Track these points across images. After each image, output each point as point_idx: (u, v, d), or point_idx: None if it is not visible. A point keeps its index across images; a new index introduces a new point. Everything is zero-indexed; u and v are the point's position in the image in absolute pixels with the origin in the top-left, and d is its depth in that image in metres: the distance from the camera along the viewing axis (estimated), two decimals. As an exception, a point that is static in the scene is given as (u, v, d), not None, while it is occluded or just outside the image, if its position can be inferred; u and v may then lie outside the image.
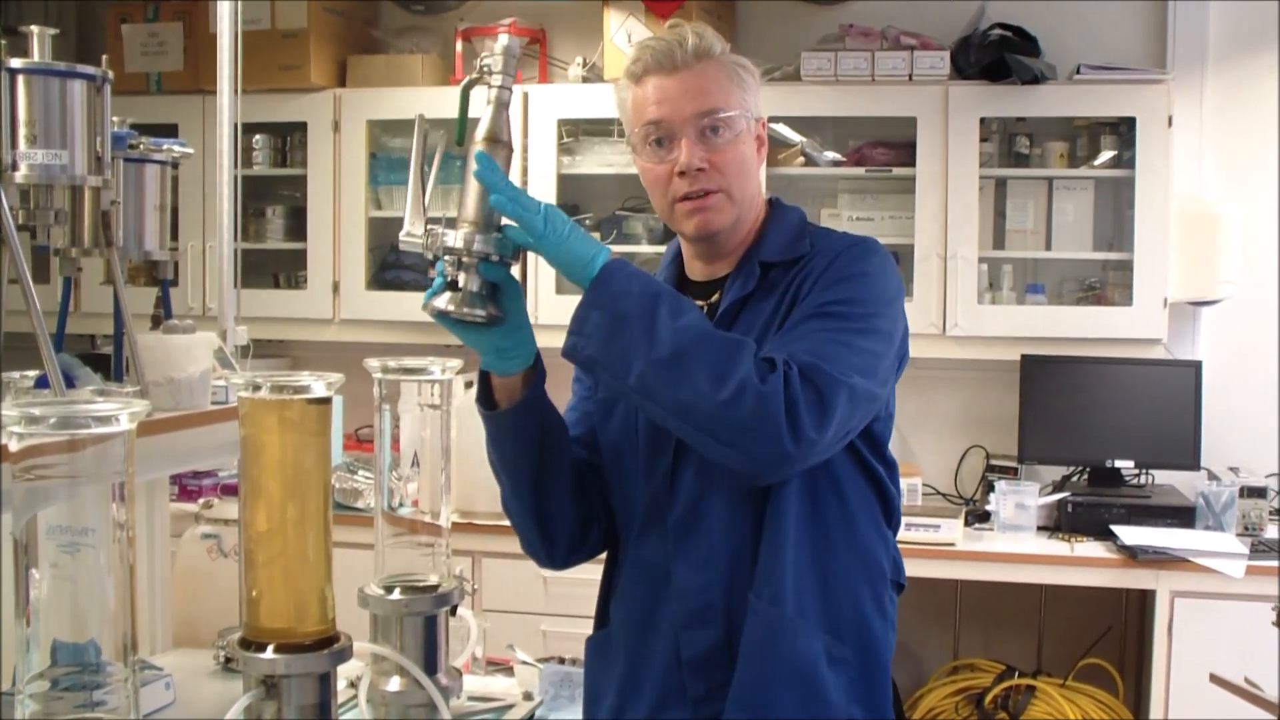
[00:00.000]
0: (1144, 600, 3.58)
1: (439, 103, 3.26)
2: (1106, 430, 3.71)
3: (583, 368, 1.51)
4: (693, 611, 1.59)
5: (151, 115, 3.71)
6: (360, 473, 3.63)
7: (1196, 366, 3.71)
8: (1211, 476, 3.62)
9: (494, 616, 3.41)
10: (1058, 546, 3.42)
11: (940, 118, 3.65)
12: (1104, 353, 3.67)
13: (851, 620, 1.61)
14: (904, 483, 3.10)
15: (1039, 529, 3.52)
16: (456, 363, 1.52)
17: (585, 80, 3.97)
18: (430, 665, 1.48)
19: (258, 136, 4.10)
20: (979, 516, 3.63)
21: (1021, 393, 3.73)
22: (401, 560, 1.52)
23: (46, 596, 1.07)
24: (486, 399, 1.58)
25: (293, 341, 4.26)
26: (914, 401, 3.93)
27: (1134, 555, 3.26)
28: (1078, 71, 3.63)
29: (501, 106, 1.48)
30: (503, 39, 1.50)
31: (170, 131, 3.57)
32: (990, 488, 3.69)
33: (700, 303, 1.63)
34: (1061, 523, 3.53)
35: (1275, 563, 3.19)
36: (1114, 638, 3.83)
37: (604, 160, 3.91)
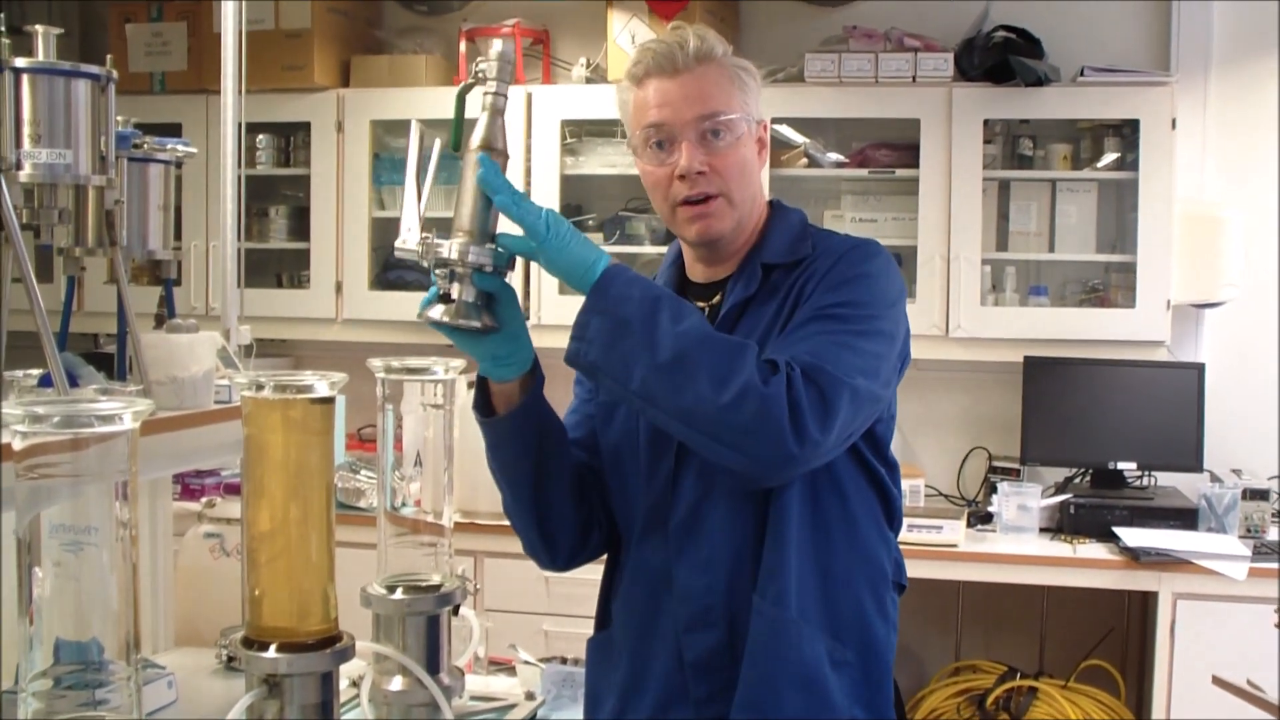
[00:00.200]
0: (1146, 602, 3.57)
1: (442, 103, 3.25)
2: (1109, 432, 3.71)
3: (585, 373, 1.50)
4: (695, 614, 1.60)
5: (155, 115, 3.71)
6: (363, 472, 3.63)
7: (1199, 369, 3.71)
8: (1214, 479, 3.62)
9: (496, 616, 3.41)
10: (1060, 548, 3.42)
11: (944, 119, 3.65)
12: (1107, 355, 3.66)
13: (853, 621, 1.61)
14: (906, 484, 3.11)
15: (1041, 530, 3.52)
16: (459, 363, 1.52)
17: (589, 81, 3.98)
18: (432, 665, 1.48)
19: (261, 136, 4.11)
20: (981, 518, 3.63)
21: (1024, 394, 3.73)
22: (404, 560, 1.52)
23: (49, 595, 1.08)
24: (484, 405, 1.58)
25: (295, 341, 4.27)
26: (917, 403, 3.93)
27: (1136, 557, 3.26)
28: (1081, 74, 3.63)
29: (496, 113, 1.47)
30: (497, 44, 1.49)
31: (174, 131, 3.57)
32: (993, 489, 3.69)
33: (701, 304, 1.63)
34: (1064, 524, 3.53)
35: (1277, 565, 3.19)
36: (1116, 639, 3.83)
37: (607, 161, 3.91)
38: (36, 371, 1.76)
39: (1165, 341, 3.61)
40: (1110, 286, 3.80)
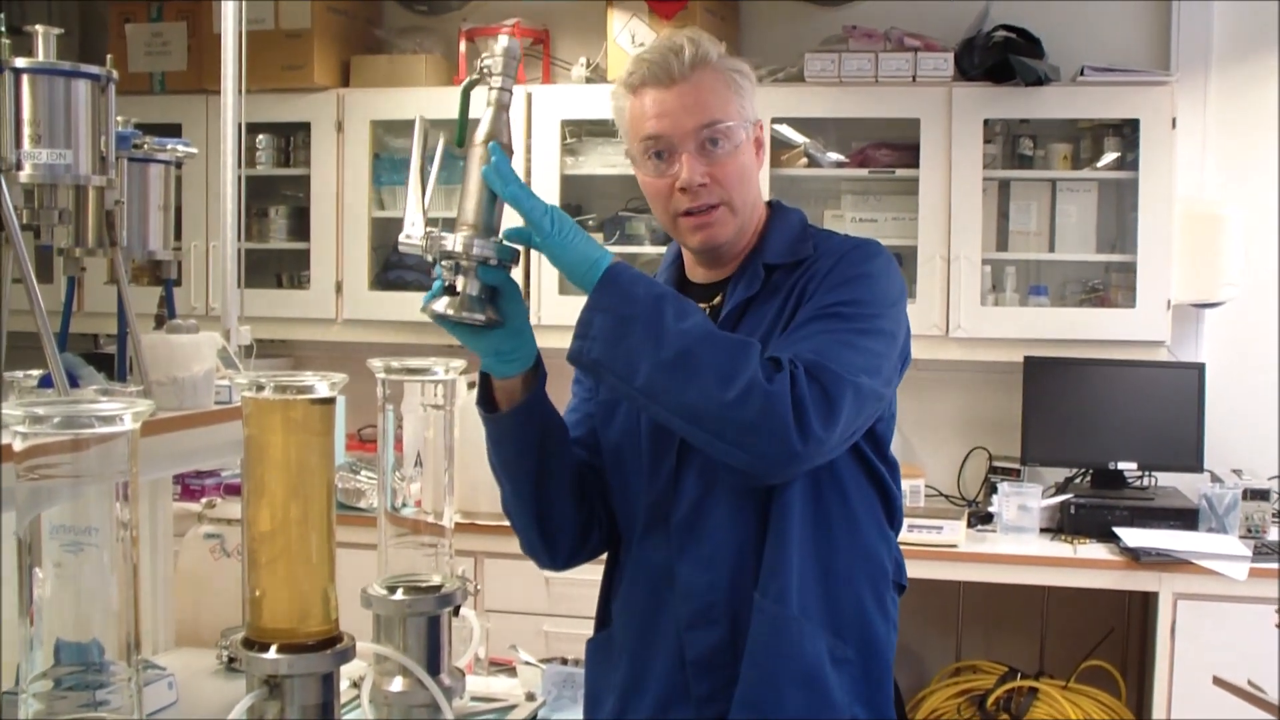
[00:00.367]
0: (1146, 602, 3.57)
1: (442, 103, 3.25)
2: (1109, 432, 3.71)
3: (588, 371, 1.50)
4: (697, 611, 1.60)
5: (155, 115, 3.71)
6: (363, 473, 3.63)
7: (1199, 369, 3.71)
8: (1214, 479, 3.62)
9: (497, 617, 3.40)
10: (1060, 548, 3.42)
11: (944, 119, 3.65)
12: (1107, 355, 3.66)
13: (854, 620, 1.61)
14: (907, 484, 3.11)
15: (1041, 531, 3.52)
16: (460, 363, 1.52)
17: (589, 81, 3.98)
18: (433, 665, 1.48)
19: (261, 136, 4.10)
20: (981, 518, 3.63)
21: (1024, 394, 3.73)
22: (404, 560, 1.52)
23: (50, 596, 1.08)
24: (487, 401, 1.58)
25: (296, 341, 4.27)
26: (917, 403, 3.93)
27: (1137, 557, 3.26)
28: (1081, 73, 3.63)
29: (501, 109, 1.47)
30: (502, 40, 1.49)
31: (174, 131, 3.57)
32: (993, 489, 3.68)
33: (702, 305, 1.63)
34: (1064, 524, 3.53)
35: (1278, 565, 3.19)
36: (1116, 640, 3.83)
37: (607, 161, 3.91)
38: (37, 372, 1.75)
39: (1165, 341, 3.60)
40: (1110, 286, 3.80)
